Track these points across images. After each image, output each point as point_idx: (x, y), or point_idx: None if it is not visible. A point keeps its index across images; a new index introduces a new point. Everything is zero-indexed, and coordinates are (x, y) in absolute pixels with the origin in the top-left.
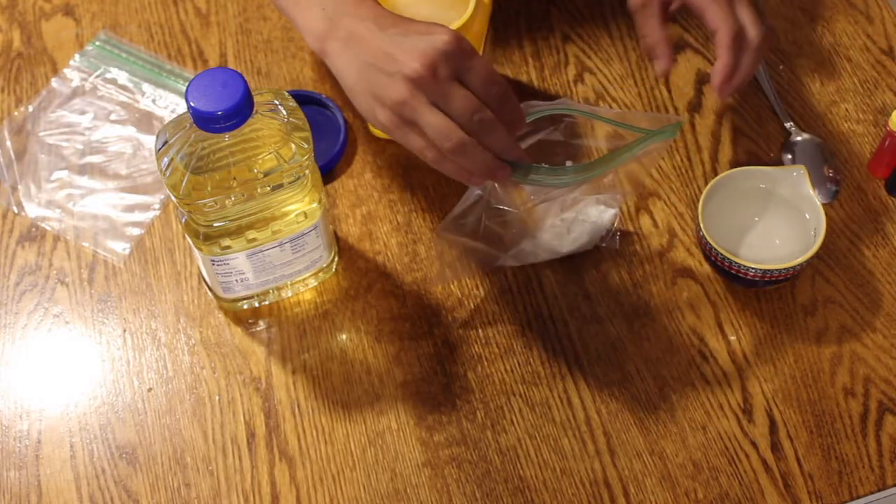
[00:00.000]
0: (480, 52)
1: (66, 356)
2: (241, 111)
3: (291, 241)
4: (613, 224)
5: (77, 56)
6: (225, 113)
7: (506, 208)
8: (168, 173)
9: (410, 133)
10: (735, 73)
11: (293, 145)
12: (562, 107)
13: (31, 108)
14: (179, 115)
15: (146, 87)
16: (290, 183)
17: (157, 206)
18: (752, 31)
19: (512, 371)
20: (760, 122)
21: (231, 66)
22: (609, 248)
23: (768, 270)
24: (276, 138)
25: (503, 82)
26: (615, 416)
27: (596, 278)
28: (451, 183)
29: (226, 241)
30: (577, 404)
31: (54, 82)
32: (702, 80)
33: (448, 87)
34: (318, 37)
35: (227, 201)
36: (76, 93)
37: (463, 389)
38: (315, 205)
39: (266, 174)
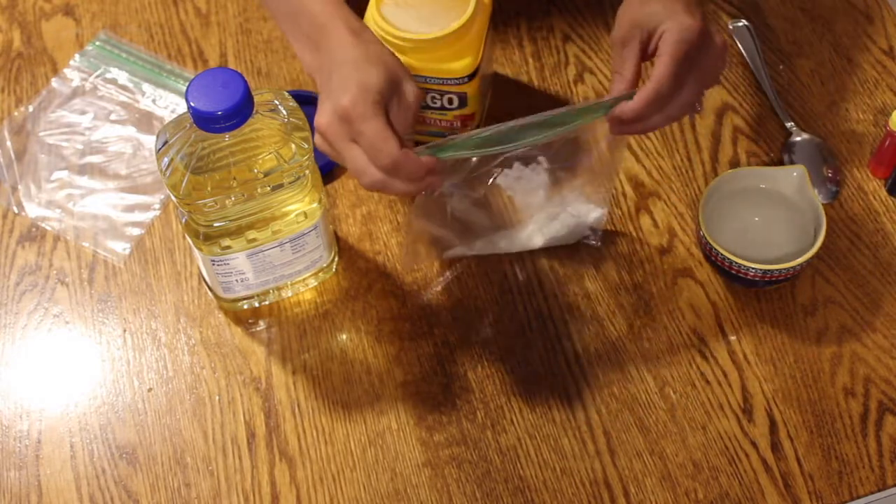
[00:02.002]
0: (480, 53)
1: (66, 356)
2: (241, 111)
3: (291, 241)
4: (600, 224)
5: (77, 56)
6: (225, 113)
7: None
8: (168, 173)
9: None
10: (637, 125)
11: (293, 145)
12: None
13: (31, 108)
14: (179, 115)
15: (146, 87)
16: (290, 183)
17: (157, 206)
18: (679, 107)
19: (512, 371)
20: (760, 122)
21: (231, 66)
22: (592, 246)
23: (768, 270)
24: (276, 138)
25: (389, 152)
26: (615, 416)
27: (596, 278)
28: None
29: (226, 241)
30: (577, 404)
31: (54, 82)
32: None
33: (341, 147)
34: (307, 65)
35: (227, 201)
36: (76, 93)
37: (463, 389)
38: (315, 205)
39: (266, 174)
